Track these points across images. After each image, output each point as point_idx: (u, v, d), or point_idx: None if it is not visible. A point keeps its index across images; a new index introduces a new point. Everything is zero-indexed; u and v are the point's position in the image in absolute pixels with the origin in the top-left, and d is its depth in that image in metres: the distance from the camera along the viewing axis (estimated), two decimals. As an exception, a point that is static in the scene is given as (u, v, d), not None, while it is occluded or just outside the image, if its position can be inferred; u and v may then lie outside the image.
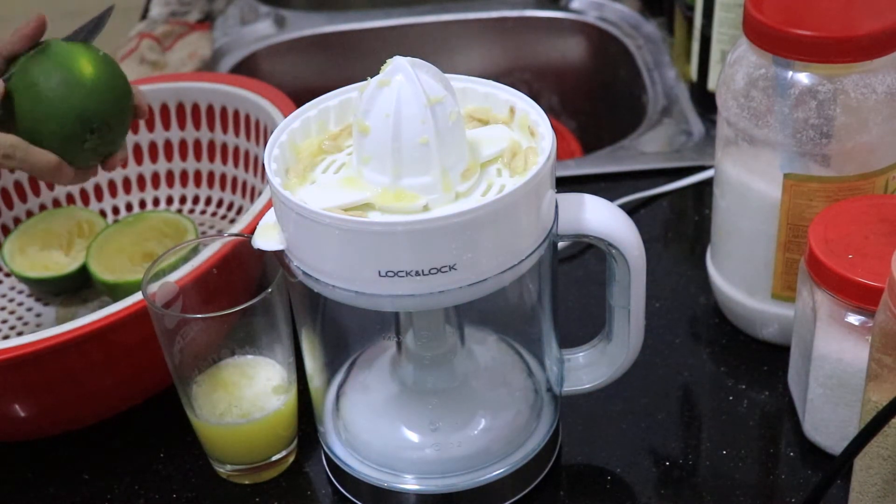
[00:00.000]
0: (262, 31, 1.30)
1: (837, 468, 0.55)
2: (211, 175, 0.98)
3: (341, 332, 0.73)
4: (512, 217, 0.57)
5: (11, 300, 0.91)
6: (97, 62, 0.75)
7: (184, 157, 0.98)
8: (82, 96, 0.73)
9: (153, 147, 0.98)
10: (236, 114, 0.94)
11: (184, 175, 0.99)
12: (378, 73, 0.58)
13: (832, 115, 0.69)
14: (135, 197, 0.99)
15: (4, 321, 0.89)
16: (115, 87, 0.75)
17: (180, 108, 0.96)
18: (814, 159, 0.71)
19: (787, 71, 0.70)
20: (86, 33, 0.78)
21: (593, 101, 1.34)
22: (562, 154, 1.21)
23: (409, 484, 0.68)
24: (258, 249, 0.61)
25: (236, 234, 0.71)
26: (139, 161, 0.98)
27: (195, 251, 0.70)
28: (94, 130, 0.73)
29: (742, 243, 0.77)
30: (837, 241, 0.67)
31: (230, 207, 0.97)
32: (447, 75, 0.61)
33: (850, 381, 0.67)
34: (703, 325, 0.83)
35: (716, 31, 1.02)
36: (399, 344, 0.69)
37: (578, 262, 0.91)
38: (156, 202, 0.99)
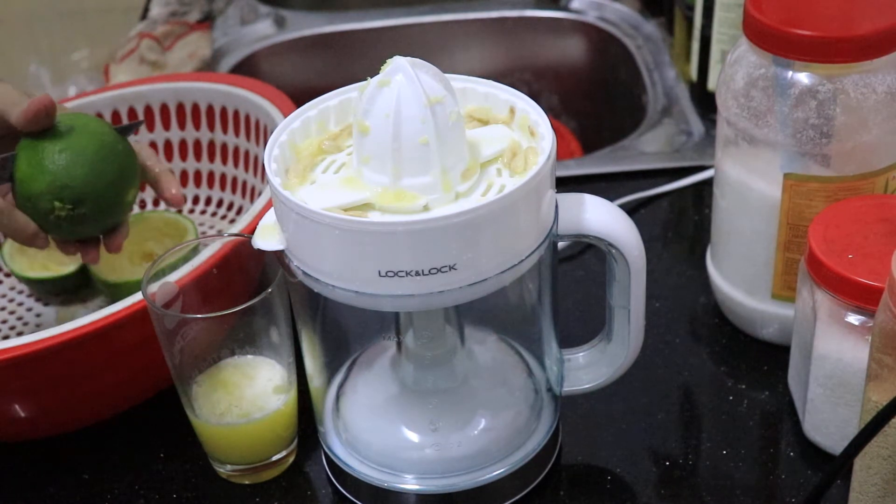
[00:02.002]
0: (262, 31, 1.30)
1: (837, 468, 0.55)
2: (211, 175, 0.98)
3: (341, 332, 0.73)
4: (512, 217, 0.57)
5: (11, 300, 0.91)
6: (100, 144, 0.74)
7: (184, 157, 0.98)
8: (60, 171, 0.72)
9: (153, 147, 0.98)
10: (236, 114, 0.94)
11: (184, 175, 0.99)
12: (378, 73, 0.58)
13: (832, 115, 0.69)
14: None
15: (4, 321, 0.89)
16: (103, 171, 0.74)
17: (180, 108, 0.96)
18: (814, 159, 0.71)
19: (787, 71, 0.70)
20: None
21: (593, 101, 1.34)
22: (562, 154, 1.21)
23: (409, 484, 0.68)
24: (258, 249, 0.61)
25: (236, 234, 0.71)
26: (139, 161, 0.98)
27: (195, 251, 0.70)
28: (62, 206, 0.73)
29: (742, 243, 0.77)
30: (837, 241, 0.67)
31: (230, 207, 0.97)
32: (447, 75, 0.61)
33: (850, 381, 0.67)
34: (703, 325, 0.83)
35: (716, 31, 1.02)
36: (399, 344, 0.69)
37: (578, 262, 0.91)
38: (156, 202, 0.99)
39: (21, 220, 0.73)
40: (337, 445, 0.70)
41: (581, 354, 0.72)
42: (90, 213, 0.73)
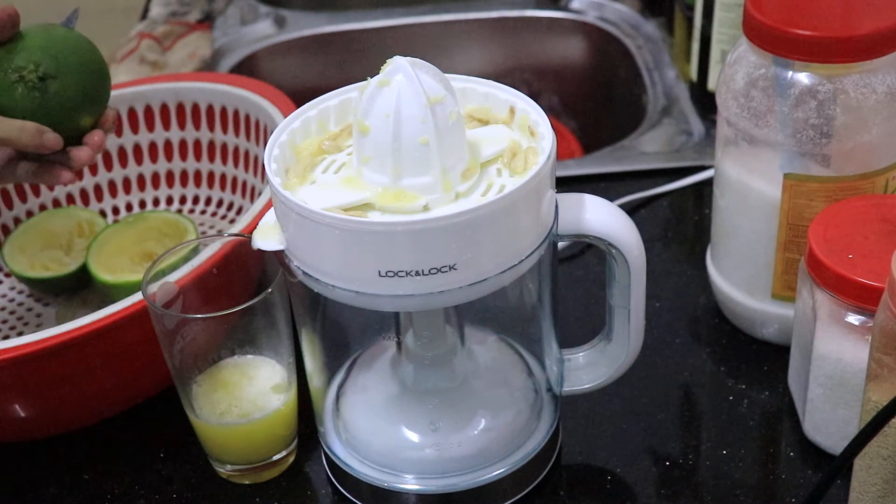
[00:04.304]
0: (262, 31, 1.30)
1: (837, 468, 0.55)
2: (211, 175, 0.98)
3: (341, 332, 0.73)
4: (512, 217, 0.57)
5: (11, 300, 0.91)
6: (37, 31, 0.73)
7: (184, 157, 0.98)
8: (56, 44, 0.72)
9: (153, 147, 0.98)
10: (236, 114, 0.94)
11: (184, 175, 0.99)
12: (378, 73, 0.58)
13: (832, 115, 0.69)
14: (135, 197, 0.99)
15: (4, 321, 0.89)
16: (49, 43, 0.73)
17: (180, 108, 0.96)
18: (814, 159, 0.71)
19: (787, 71, 0.70)
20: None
21: (593, 101, 1.34)
22: (562, 154, 1.21)
23: (409, 484, 0.68)
24: (258, 249, 0.61)
25: (236, 234, 0.71)
26: (139, 161, 0.98)
27: (195, 251, 0.70)
28: (35, 70, 0.71)
29: (742, 243, 0.77)
30: (837, 241, 0.67)
31: (230, 207, 0.97)
32: (447, 75, 0.61)
33: (850, 381, 0.67)
34: (703, 325, 0.83)
35: (716, 31, 1.02)
36: (399, 344, 0.69)
37: (578, 262, 0.91)
38: (156, 202, 0.99)
39: (14, 121, 0.70)
40: (337, 445, 0.70)
41: (581, 354, 0.72)
42: (53, 95, 0.72)
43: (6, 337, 0.87)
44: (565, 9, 1.32)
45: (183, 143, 0.98)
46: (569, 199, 0.63)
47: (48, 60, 0.71)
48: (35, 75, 0.71)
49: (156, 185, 0.99)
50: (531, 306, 0.69)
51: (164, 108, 0.97)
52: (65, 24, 0.76)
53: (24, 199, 0.95)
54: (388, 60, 0.58)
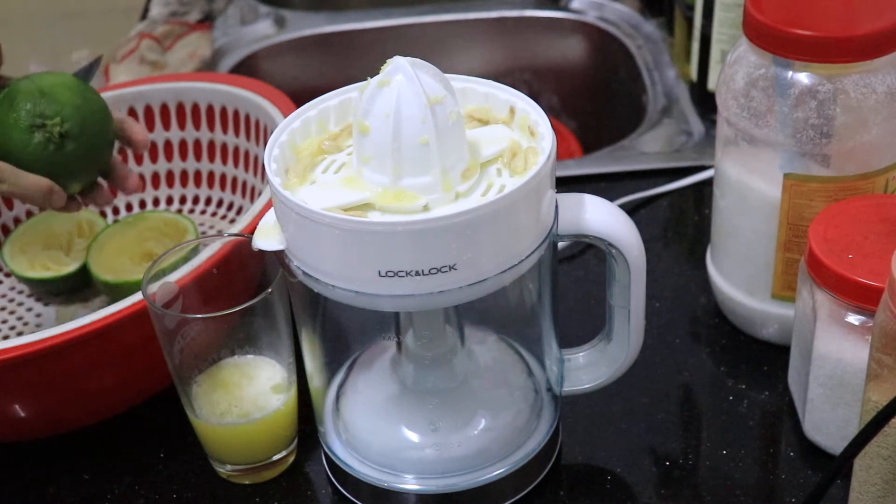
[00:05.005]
0: (262, 31, 1.30)
1: (837, 468, 0.55)
2: (211, 175, 0.98)
3: (341, 332, 0.73)
4: (512, 217, 0.57)
5: (11, 300, 0.91)
6: (73, 86, 0.75)
7: (184, 157, 0.98)
8: (43, 101, 0.74)
9: (153, 147, 0.98)
10: (236, 114, 0.94)
11: (184, 175, 0.99)
12: (378, 73, 0.58)
13: (832, 115, 0.69)
14: (135, 197, 0.99)
15: (4, 321, 0.89)
16: (83, 104, 0.76)
17: (180, 108, 0.97)
18: (814, 159, 0.71)
19: (787, 71, 0.70)
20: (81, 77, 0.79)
21: (593, 101, 1.34)
22: (562, 154, 1.21)
23: (409, 484, 0.68)
24: (258, 249, 0.61)
25: (236, 234, 0.71)
26: (139, 161, 0.98)
27: (195, 251, 0.70)
28: (47, 129, 0.73)
29: (742, 243, 0.77)
30: (837, 241, 0.67)
31: (230, 207, 0.97)
32: (447, 75, 0.61)
33: (850, 381, 0.67)
34: (703, 325, 0.83)
35: (716, 31, 1.03)
36: (399, 344, 0.69)
37: (578, 262, 0.91)
38: (156, 202, 0.99)
39: (31, 177, 0.72)
40: (337, 445, 0.70)
41: (581, 354, 0.72)
42: (65, 155, 0.74)
43: (6, 337, 0.87)
44: (565, 9, 1.32)
45: (183, 143, 0.98)
46: (569, 199, 0.63)
47: (76, 122, 0.74)
48: (58, 130, 0.73)
49: (156, 185, 0.99)
50: (531, 306, 0.69)
51: (164, 108, 0.97)
52: (84, 70, 0.78)
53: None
54: (388, 60, 0.58)
